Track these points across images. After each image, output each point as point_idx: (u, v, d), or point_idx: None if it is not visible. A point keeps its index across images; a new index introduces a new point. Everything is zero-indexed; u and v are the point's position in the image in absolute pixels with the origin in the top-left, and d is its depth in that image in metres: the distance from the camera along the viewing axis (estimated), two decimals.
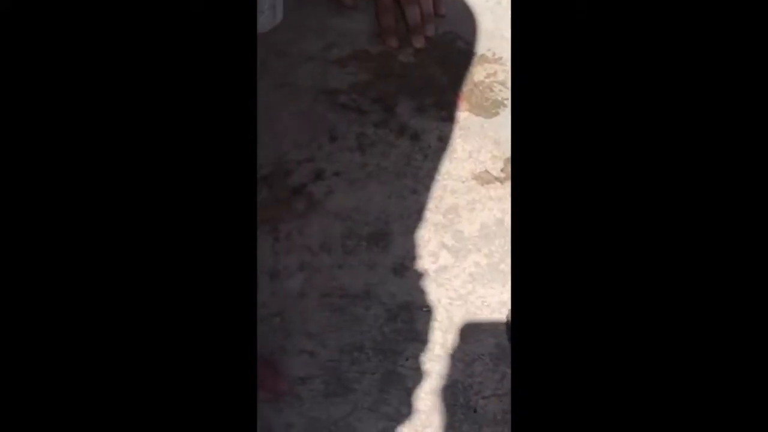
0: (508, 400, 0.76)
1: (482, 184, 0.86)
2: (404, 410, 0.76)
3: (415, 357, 0.78)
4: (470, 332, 0.80)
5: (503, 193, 0.86)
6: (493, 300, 0.81)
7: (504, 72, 0.93)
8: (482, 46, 0.94)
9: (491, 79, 0.92)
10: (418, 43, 0.93)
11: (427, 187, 0.86)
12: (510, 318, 0.80)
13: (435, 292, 0.81)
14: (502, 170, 0.87)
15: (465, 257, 0.83)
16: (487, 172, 0.87)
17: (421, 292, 0.81)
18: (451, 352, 0.79)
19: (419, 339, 0.79)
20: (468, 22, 0.96)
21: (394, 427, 0.75)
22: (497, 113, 0.90)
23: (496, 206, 0.85)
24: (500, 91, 0.92)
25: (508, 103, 0.91)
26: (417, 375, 0.77)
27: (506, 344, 0.79)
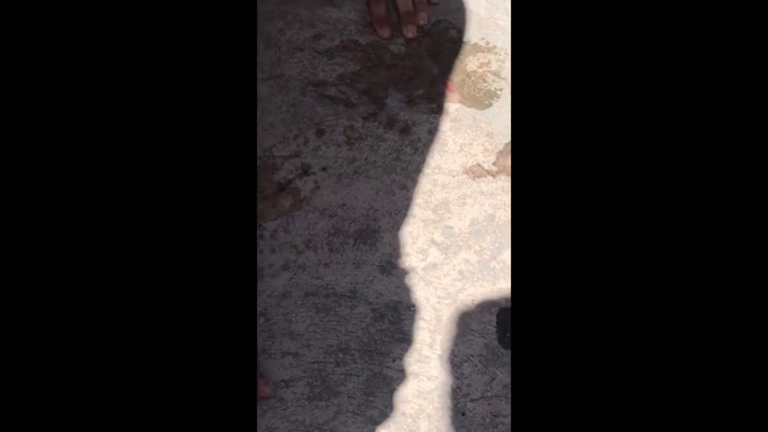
0: (497, 403, 0.74)
1: (473, 178, 0.84)
2: (390, 414, 0.74)
3: (402, 358, 0.76)
4: (459, 332, 0.77)
5: (495, 187, 0.83)
6: (483, 299, 0.79)
7: (498, 61, 0.90)
8: (475, 35, 0.91)
9: (484, 69, 0.89)
10: (410, 32, 0.91)
11: (416, 182, 0.84)
12: (498, 316, 0.77)
13: (423, 290, 0.79)
14: (494, 163, 0.84)
15: (455, 254, 0.81)
16: (478, 165, 0.84)
17: (409, 291, 0.79)
18: (439, 353, 0.76)
19: (406, 340, 0.77)
20: (461, 10, 0.93)
21: None
22: (490, 104, 0.87)
23: (488, 201, 0.83)
24: (494, 81, 0.89)
25: (502, 93, 0.88)
26: (404, 377, 0.75)
27: (496, 345, 0.76)
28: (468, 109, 0.87)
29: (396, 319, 0.78)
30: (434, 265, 0.80)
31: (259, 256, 0.79)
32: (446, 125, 0.86)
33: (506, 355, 0.76)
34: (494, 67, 0.89)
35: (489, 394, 0.75)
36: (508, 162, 0.84)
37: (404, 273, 0.80)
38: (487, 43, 0.91)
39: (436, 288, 0.79)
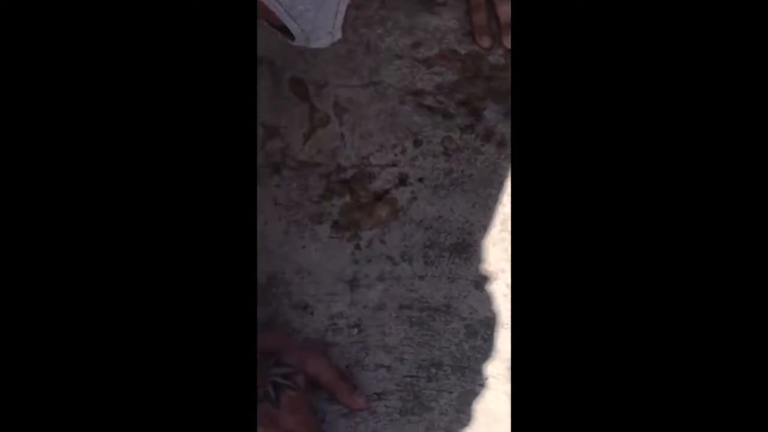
0: None
1: None
2: None
3: (494, 376, 0.76)
4: None
5: None
6: None
7: None
8: None
9: None
10: (510, 43, 0.89)
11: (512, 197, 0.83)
12: None
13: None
14: None
15: None
16: None
17: (503, 308, 0.78)
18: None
19: (499, 357, 0.77)
20: None
21: None
22: None
23: None
24: None
25: None
26: (496, 396, 0.75)
27: None
28: None
29: (489, 336, 0.78)
30: None
31: (354, 266, 0.80)
32: None
33: None
34: None
35: None
36: None
37: (498, 289, 0.79)
38: None
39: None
